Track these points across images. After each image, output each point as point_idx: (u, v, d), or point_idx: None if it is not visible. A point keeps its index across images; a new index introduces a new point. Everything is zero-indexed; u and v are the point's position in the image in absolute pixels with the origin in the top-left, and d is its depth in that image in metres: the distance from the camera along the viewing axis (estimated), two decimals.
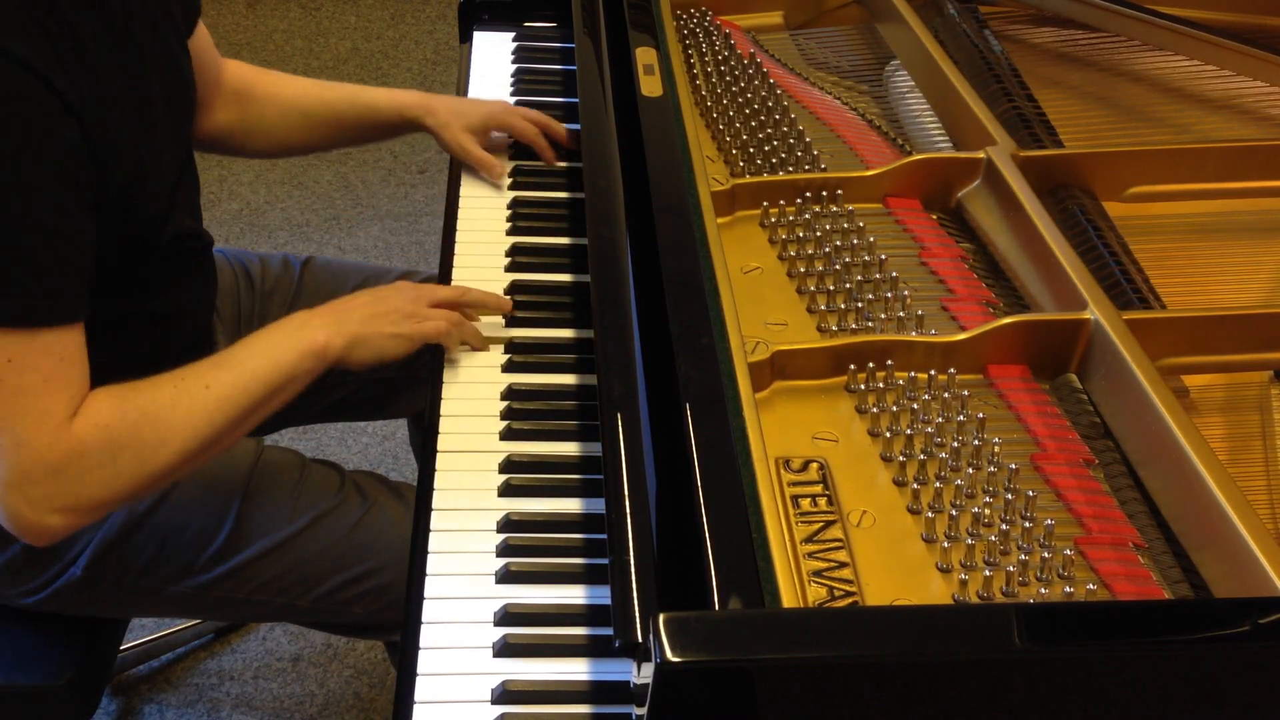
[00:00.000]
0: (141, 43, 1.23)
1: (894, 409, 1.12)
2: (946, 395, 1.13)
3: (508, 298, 1.39)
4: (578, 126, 1.54)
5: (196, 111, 1.48)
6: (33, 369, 1.10)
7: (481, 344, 1.35)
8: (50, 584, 1.36)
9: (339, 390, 1.65)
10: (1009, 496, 1.03)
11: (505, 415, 1.27)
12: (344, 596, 1.39)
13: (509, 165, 1.61)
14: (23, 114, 1.07)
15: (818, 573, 0.98)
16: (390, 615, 1.39)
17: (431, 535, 1.15)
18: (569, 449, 1.24)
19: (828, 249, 1.30)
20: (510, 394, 1.30)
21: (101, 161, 1.15)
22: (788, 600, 0.89)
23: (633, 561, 0.96)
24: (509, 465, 1.22)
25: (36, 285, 1.10)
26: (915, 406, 1.12)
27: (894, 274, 1.25)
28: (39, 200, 1.09)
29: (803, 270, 1.28)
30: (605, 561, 1.09)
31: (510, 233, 1.52)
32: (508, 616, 1.08)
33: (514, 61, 1.82)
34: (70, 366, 1.13)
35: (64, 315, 1.12)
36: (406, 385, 1.69)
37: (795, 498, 1.04)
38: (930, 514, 1.03)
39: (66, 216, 1.12)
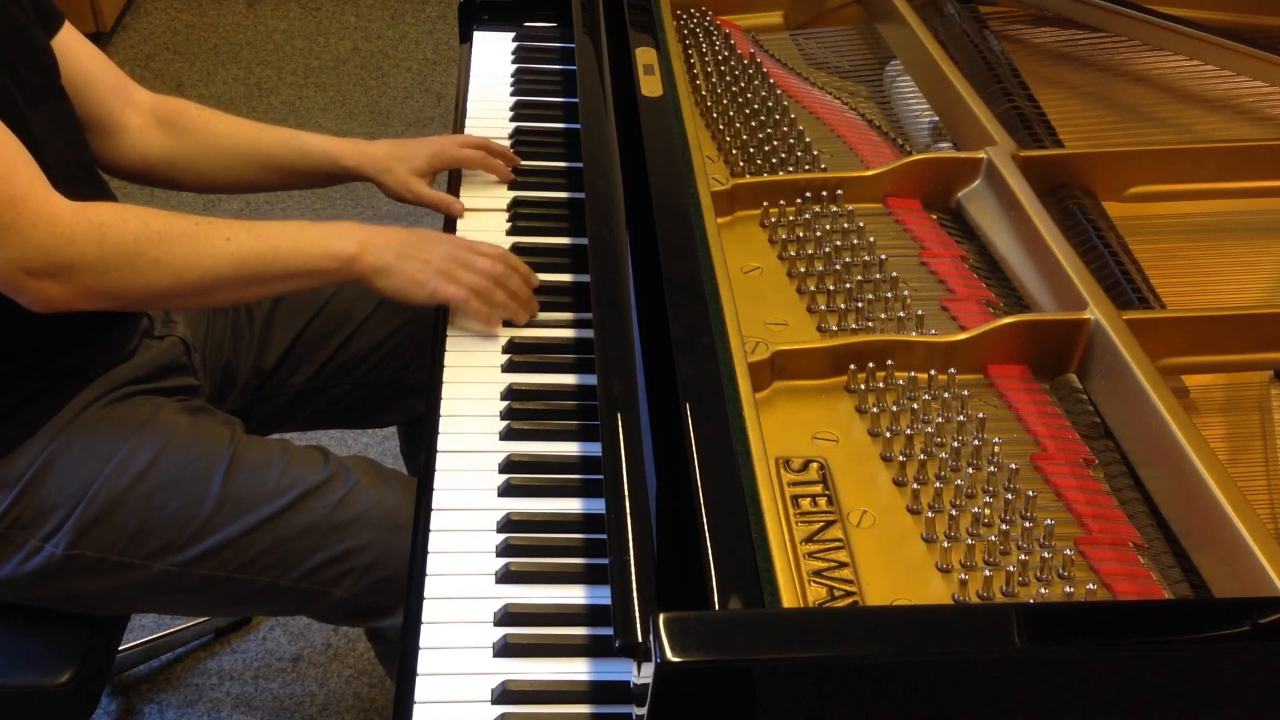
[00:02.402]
0: None
1: (894, 409, 1.12)
2: (946, 395, 1.13)
3: (535, 302, 1.39)
4: (578, 127, 1.54)
5: (96, 133, 1.51)
6: None
7: (489, 320, 1.36)
8: (30, 559, 1.36)
9: (329, 393, 1.65)
10: (1009, 496, 1.03)
11: (505, 415, 1.27)
12: (326, 576, 1.39)
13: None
14: None
15: (818, 573, 0.98)
16: (371, 597, 1.39)
17: (431, 535, 1.15)
18: (569, 449, 1.24)
19: (828, 249, 1.30)
20: (510, 394, 1.30)
21: None
22: (788, 600, 0.89)
23: (633, 561, 0.96)
24: (509, 465, 1.22)
25: None
26: (915, 406, 1.12)
27: (894, 274, 1.25)
28: None
29: (803, 270, 1.28)
30: (605, 561, 1.09)
31: (510, 233, 1.52)
32: (508, 616, 1.08)
33: (514, 61, 1.82)
34: (13, 151, 1.20)
35: None
36: (400, 391, 1.68)
37: (795, 498, 1.05)
38: (930, 514, 1.03)
39: None
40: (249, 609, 1.50)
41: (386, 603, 1.38)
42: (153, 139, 1.56)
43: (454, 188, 1.60)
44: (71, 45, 1.47)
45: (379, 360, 1.65)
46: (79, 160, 1.43)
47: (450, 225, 1.54)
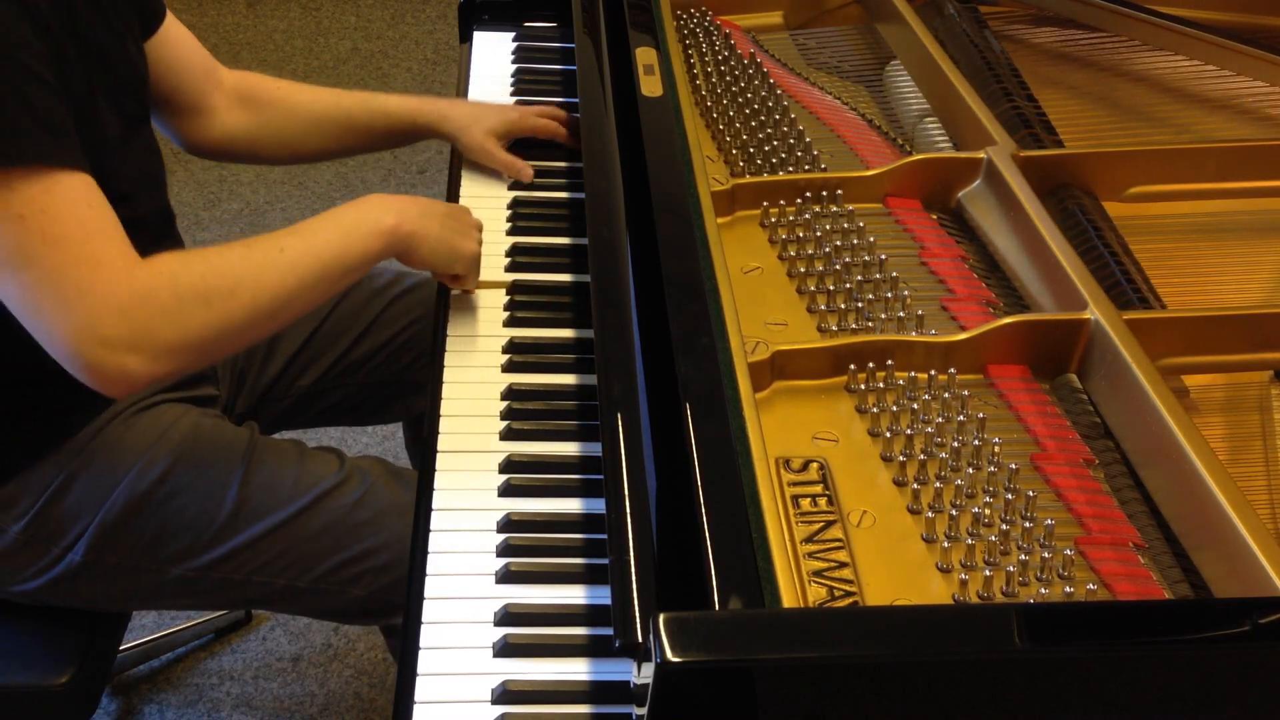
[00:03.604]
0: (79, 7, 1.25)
1: (894, 409, 1.12)
2: (946, 395, 1.13)
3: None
4: (578, 126, 1.54)
5: (186, 115, 1.53)
6: (67, 217, 1.11)
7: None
8: (49, 570, 1.36)
9: (336, 393, 1.66)
10: (1009, 496, 1.03)
11: (505, 415, 1.27)
12: (344, 576, 1.39)
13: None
14: None
15: (818, 573, 0.98)
16: (388, 597, 1.39)
17: (431, 535, 1.15)
18: (569, 449, 1.24)
19: (828, 249, 1.30)
20: (510, 394, 1.30)
21: (57, 60, 1.17)
22: (788, 600, 0.89)
23: (633, 561, 0.96)
24: (509, 465, 1.22)
25: (39, 124, 1.11)
26: (915, 406, 1.12)
27: (894, 274, 1.25)
28: (32, 51, 1.11)
29: (803, 270, 1.28)
30: (605, 561, 1.09)
31: (510, 233, 1.52)
32: (508, 616, 1.08)
33: (514, 61, 1.82)
34: (105, 213, 1.15)
35: (74, 159, 1.14)
36: (404, 389, 1.69)
37: (795, 498, 1.05)
38: (930, 514, 1.03)
39: (46, 68, 1.14)
40: (265, 608, 1.50)
41: (403, 601, 1.39)
42: (237, 116, 1.58)
43: (454, 188, 1.60)
44: (171, 34, 1.48)
45: (385, 359, 1.65)
46: (161, 208, 1.45)
47: None
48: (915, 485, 1.06)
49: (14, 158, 1.09)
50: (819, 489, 1.06)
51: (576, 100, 1.55)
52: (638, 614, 0.92)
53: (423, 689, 1.02)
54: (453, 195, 1.58)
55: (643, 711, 0.79)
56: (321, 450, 1.46)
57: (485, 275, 1.44)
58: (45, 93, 1.13)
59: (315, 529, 1.38)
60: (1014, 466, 1.05)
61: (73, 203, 1.12)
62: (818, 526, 1.02)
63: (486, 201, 1.57)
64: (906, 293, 1.25)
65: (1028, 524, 1.02)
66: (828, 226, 1.33)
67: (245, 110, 1.59)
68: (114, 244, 1.14)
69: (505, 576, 1.11)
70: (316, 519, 1.38)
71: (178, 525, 1.36)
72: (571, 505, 1.18)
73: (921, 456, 1.08)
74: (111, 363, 1.13)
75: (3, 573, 1.37)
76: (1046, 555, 0.99)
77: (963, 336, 1.16)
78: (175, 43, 1.48)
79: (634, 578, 0.95)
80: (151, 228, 1.40)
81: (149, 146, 1.41)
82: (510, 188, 1.59)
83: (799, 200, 1.37)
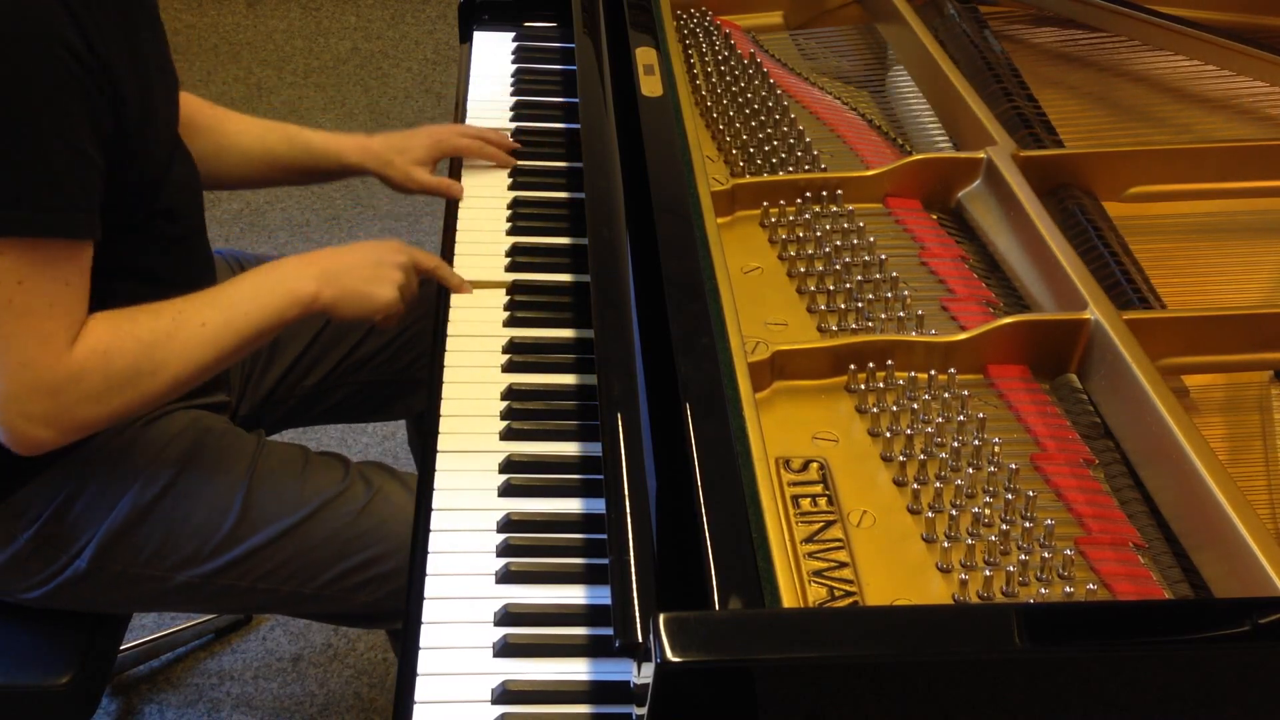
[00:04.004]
0: (136, 17, 1.25)
1: (894, 409, 1.12)
2: (946, 395, 1.13)
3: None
4: (578, 127, 1.54)
5: None
6: (40, 292, 1.14)
7: (462, 286, 1.41)
8: (55, 577, 1.36)
9: (339, 392, 1.66)
10: (1009, 496, 1.03)
11: (505, 415, 1.27)
12: (348, 584, 1.39)
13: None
14: (43, 26, 1.09)
15: (818, 573, 0.98)
16: (393, 603, 1.39)
17: (431, 535, 1.15)
18: (569, 449, 1.24)
19: (828, 249, 1.30)
20: (510, 394, 1.30)
21: (111, 94, 1.17)
22: (788, 600, 0.89)
23: (633, 561, 0.96)
24: (509, 465, 1.22)
25: (56, 198, 1.13)
26: (915, 406, 1.12)
27: (894, 274, 1.25)
28: (61, 111, 1.12)
29: (803, 270, 1.28)
30: (605, 561, 1.09)
31: (510, 233, 1.52)
32: (508, 616, 1.08)
33: (514, 61, 1.82)
34: (74, 292, 1.17)
35: (79, 231, 1.15)
36: (406, 387, 1.69)
37: (795, 498, 1.04)
38: (930, 514, 1.03)
39: (85, 135, 1.14)
40: (269, 613, 1.51)
41: None
42: None
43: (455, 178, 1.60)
44: None
45: (387, 358, 1.65)
46: (199, 224, 1.44)
47: (451, 225, 1.54)
48: (915, 485, 1.06)
49: (21, 229, 1.11)
50: (819, 489, 1.06)
51: (576, 100, 1.55)
52: (638, 614, 0.92)
53: (423, 689, 1.02)
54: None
55: (643, 711, 0.80)
56: (326, 457, 1.46)
57: (485, 275, 1.44)
58: (64, 159, 1.13)
59: (320, 537, 1.38)
60: (1014, 466, 1.05)
61: (51, 278, 1.14)
62: (818, 526, 1.02)
63: (487, 201, 1.57)
64: (906, 293, 1.25)
65: (1028, 524, 1.02)
66: (828, 226, 1.33)
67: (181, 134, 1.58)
68: (68, 319, 1.17)
69: (505, 576, 1.11)
70: (321, 527, 1.38)
71: (183, 533, 1.36)
72: (571, 505, 1.18)
73: (921, 456, 1.08)
74: (26, 432, 1.18)
75: (12, 579, 1.37)
76: (1046, 555, 0.99)
77: (963, 336, 1.16)
78: None
79: (634, 578, 0.95)
80: (189, 244, 1.40)
81: (186, 154, 1.41)
82: (510, 188, 1.58)
83: (799, 200, 1.37)
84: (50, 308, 1.15)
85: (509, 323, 1.39)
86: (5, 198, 1.10)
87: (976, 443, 1.08)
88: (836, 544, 1.01)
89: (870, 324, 1.22)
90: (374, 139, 1.60)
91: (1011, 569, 0.98)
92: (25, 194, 1.11)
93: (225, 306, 1.27)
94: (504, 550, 1.14)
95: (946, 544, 1.01)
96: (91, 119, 1.15)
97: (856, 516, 1.04)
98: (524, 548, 1.14)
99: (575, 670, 1.04)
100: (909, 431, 1.09)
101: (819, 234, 1.32)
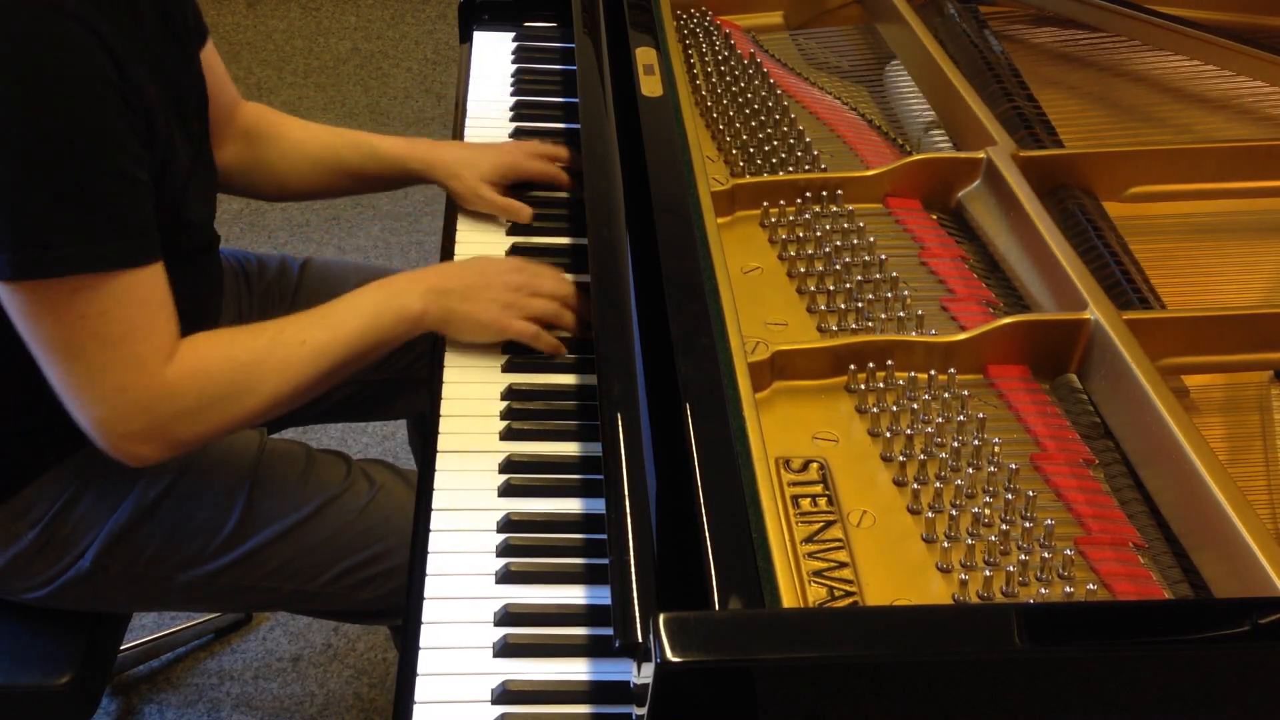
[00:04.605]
0: (151, 28, 1.24)
1: (894, 409, 1.12)
2: (946, 395, 1.13)
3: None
4: (578, 127, 1.54)
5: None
6: (122, 319, 1.14)
7: (556, 348, 1.34)
8: (58, 577, 1.36)
9: (340, 391, 1.66)
10: (1009, 496, 1.03)
11: (505, 415, 1.27)
12: (351, 581, 1.39)
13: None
14: (84, 63, 1.09)
15: (818, 573, 0.98)
16: (397, 599, 1.39)
17: (431, 535, 1.15)
18: (569, 449, 1.24)
19: (828, 249, 1.30)
20: (510, 394, 1.30)
21: (143, 112, 1.17)
22: (788, 600, 0.89)
23: (633, 561, 0.96)
24: (509, 465, 1.22)
25: (116, 229, 1.13)
26: (915, 406, 1.12)
27: (894, 274, 1.25)
28: (111, 144, 1.12)
29: (803, 270, 1.28)
30: (605, 561, 1.09)
31: (510, 233, 1.52)
32: (508, 616, 1.08)
33: (514, 61, 1.82)
34: (156, 310, 1.17)
35: (143, 256, 1.15)
36: (407, 386, 1.69)
37: (795, 498, 1.05)
38: (930, 514, 1.03)
39: (133, 160, 1.14)
40: (271, 610, 1.51)
41: None
42: (238, 149, 1.56)
43: (449, 228, 1.58)
44: (209, 60, 1.43)
45: (388, 358, 1.65)
46: (212, 235, 1.45)
47: (451, 225, 1.53)
48: (915, 485, 1.06)
49: (92, 264, 1.11)
50: (819, 489, 1.06)
51: (576, 100, 1.55)
52: (638, 614, 0.92)
53: (423, 689, 1.02)
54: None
55: (643, 711, 0.80)
56: (328, 455, 1.46)
57: None
58: (121, 188, 1.13)
59: (322, 535, 1.38)
60: (1014, 466, 1.05)
61: (130, 303, 1.14)
62: (818, 526, 1.02)
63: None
64: (906, 293, 1.25)
65: (1028, 524, 1.02)
66: (828, 226, 1.33)
67: (246, 144, 1.56)
68: (157, 339, 1.17)
69: (505, 576, 1.11)
70: (324, 525, 1.38)
71: (186, 533, 1.36)
72: (571, 505, 1.19)
73: (921, 456, 1.08)
74: (127, 450, 1.19)
75: (15, 579, 1.37)
76: (1046, 555, 0.99)
77: (963, 336, 1.16)
78: (210, 70, 1.44)
79: (634, 578, 0.95)
80: (201, 256, 1.40)
81: (209, 163, 1.40)
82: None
83: (799, 200, 1.37)
84: (136, 331, 1.15)
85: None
86: (72, 236, 1.10)
87: (976, 443, 1.08)
88: (836, 544, 1.01)
89: (870, 324, 1.22)
90: (444, 149, 1.57)
91: (1011, 569, 0.98)
92: (89, 230, 1.11)
93: (328, 325, 1.26)
94: (504, 550, 1.14)
95: (946, 544, 1.01)
96: (134, 142, 1.15)
97: (856, 516, 1.04)
98: (524, 548, 1.14)
99: (575, 670, 1.04)
100: (909, 431, 1.09)
101: (819, 234, 1.32)
